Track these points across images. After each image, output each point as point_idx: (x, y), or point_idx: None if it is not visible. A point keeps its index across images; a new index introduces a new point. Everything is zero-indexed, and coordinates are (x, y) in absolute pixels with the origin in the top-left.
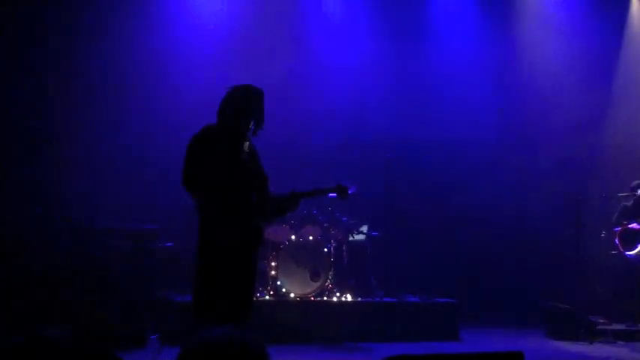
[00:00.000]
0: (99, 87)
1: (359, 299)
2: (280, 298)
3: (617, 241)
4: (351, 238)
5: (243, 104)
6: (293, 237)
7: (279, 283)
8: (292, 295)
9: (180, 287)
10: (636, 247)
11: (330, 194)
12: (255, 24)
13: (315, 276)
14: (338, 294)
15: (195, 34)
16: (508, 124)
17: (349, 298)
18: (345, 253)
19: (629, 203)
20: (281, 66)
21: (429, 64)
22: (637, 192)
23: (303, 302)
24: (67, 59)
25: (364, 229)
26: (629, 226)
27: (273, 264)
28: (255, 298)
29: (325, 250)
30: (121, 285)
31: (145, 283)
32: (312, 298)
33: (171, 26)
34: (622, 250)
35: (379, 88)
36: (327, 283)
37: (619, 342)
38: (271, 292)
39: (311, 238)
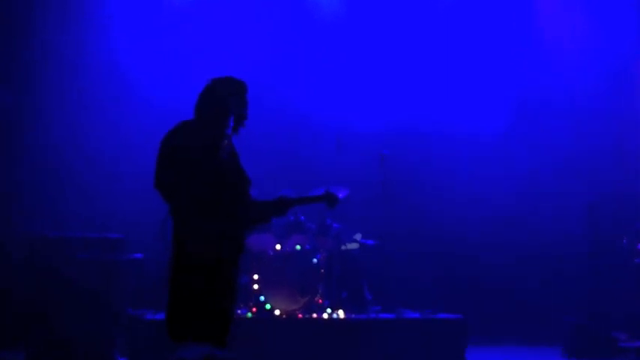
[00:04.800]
0: (60, 90)
1: (352, 316)
2: (264, 315)
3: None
4: (343, 248)
5: (222, 98)
6: (278, 247)
7: (262, 298)
8: (277, 311)
9: (152, 303)
10: None
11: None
12: (239, 21)
13: (302, 290)
14: (329, 310)
15: (169, 35)
16: (518, 119)
17: (341, 314)
18: (336, 265)
19: None
20: (267, 60)
21: (429, 49)
22: None
23: (289, 320)
24: (28, 62)
25: (358, 237)
26: None
27: (255, 277)
28: (235, 315)
29: (314, 261)
30: (84, 301)
31: (112, 298)
32: (300, 315)
33: (139, 28)
34: None
35: (373, 78)
36: (316, 298)
37: None
38: (253, 309)
39: (298, 247)
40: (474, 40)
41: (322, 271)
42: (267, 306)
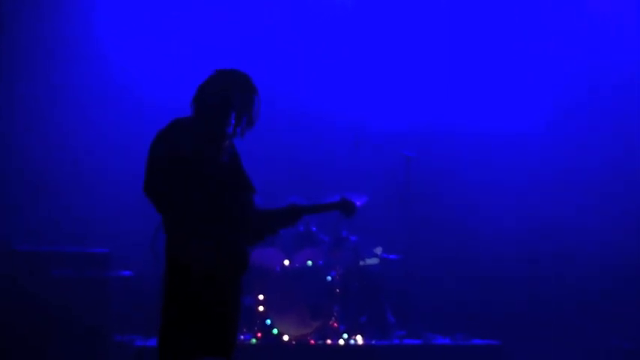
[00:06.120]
0: (33, 87)
1: (373, 342)
2: (270, 341)
3: None
4: (361, 263)
5: (222, 90)
6: (286, 262)
7: (268, 321)
8: (286, 337)
9: (142, 327)
10: None
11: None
12: (245, 14)
13: (314, 312)
14: (345, 335)
15: (165, 27)
16: (557, 117)
17: (360, 340)
18: (353, 283)
19: None
20: (273, 55)
21: (457, 40)
22: None
23: (299, 346)
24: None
25: (378, 250)
26: None
27: (260, 297)
28: (238, 341)
29: (328, 278)
30: (64, 325)
31: (96, 322)
32: (312, 342)
33: (131, 19)
34: None
35: (394, 72)
36: (330, 322)
37: None
38: (259, 334)
39: (309, 263)
40: (509, 30)
41: (337, 290)
42: (275, 331)
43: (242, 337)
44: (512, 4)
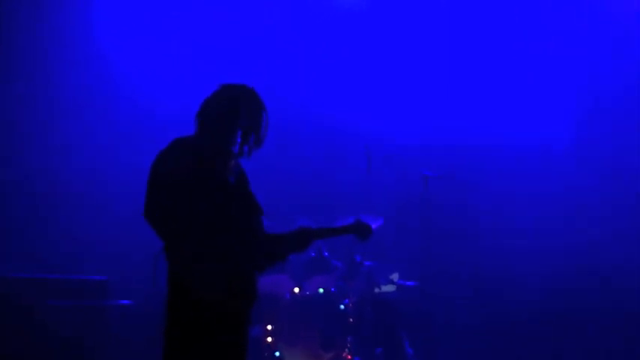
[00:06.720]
0: (30, 96)
1: None
2: None
3: None
4: (376, 291)
5: (228, 106)
6: (296, 290)
7: (277, 353)
8: None
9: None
10: None
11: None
12: (251, 19)
13: (326, 343)
14: None
15: (163, 30)
16: (591, 127)
17: None
18: (368, 312)
19: None
20: (281, 64)
21: (478, 46)
22: None
23: None
24: None
25: (394, 277)
26: None
27: (269, 327)
28: None
29: (341, 307)
30: (60, 357)
31: (94, 354)
32: None
33: (126, 19)
34: None
35: (410, 82)
36: (343, 354)
37: None
38: None
39: (321, 290)
40: (530, 40)
41: (351, 319)
42: None
43: None
44: (535, 16)
